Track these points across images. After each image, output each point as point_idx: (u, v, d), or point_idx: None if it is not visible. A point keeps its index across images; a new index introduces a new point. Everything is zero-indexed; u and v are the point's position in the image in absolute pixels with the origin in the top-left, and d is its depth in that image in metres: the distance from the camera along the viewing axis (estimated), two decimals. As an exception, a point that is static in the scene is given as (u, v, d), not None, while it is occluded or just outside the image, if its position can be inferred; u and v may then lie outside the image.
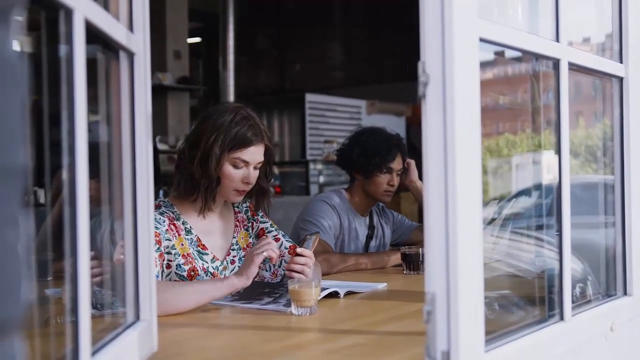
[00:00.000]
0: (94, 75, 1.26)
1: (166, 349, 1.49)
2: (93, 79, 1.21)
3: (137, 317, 1.39)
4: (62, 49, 1.02)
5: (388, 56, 9.34)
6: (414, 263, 2.67)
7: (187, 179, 2.23)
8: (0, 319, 0.55)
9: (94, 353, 1.09)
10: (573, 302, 1.57)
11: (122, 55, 1.35)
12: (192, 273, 2.20)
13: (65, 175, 1.01)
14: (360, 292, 2.26)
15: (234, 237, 2.38)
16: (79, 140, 1.02)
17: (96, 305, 1.35)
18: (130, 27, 1.36)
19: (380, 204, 3.22)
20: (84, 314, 1.02)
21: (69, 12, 1.00)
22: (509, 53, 1.56)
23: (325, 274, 2.71)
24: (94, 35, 1.12)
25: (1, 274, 0.55)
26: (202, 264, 2.24)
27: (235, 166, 2.22)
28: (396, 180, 3.05)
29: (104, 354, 1.14)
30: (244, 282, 1.99)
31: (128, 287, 1.38)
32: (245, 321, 1.83)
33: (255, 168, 2.26)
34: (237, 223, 2.41)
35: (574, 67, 1.60)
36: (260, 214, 2.46)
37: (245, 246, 2.39)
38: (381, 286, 2.38)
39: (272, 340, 1.65)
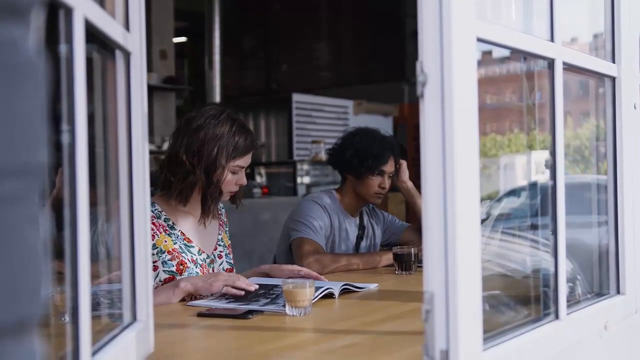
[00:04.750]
0: (89, 75, 1.25)
1: (163, 350, 1.49)
2: (88, 78, 1.20)
3: (134, 318, 1.38)
4: (61, 48, 1.02)
5: (375, 56, 9.37)
6: (405, 263, 2.67)
7: (190, 187, 2.29)
8: (24, 318, 0.55)
9: (93, 354, 1.08)
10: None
11: (119, 55, 1.34)
12: (181, 267, 2.26)
13: (65, 175, 1.01)
14: (355, 289, 2.28)
15: (219, 234, 2.47)
16: (78, 139, 1.01)
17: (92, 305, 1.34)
18: (127, 27, 1.36)
19: (371, 204, 3.22)
20: (84, 315, 1.01)
21: (69, 11, 0.99)
22: (497, 52, 1.56)
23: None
24: (90, 34, 1.11)
25: (24, 273, 0.54)
26: (191, 256, 2.30)
27: (233, 172, 2.33)
28: (387, 183, 3.05)
29: (103, 355, 1.13)
30: (188, 288, 2.09)
31: (125, 288, 1.37)
32: (240, 322, 1.82)
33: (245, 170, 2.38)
34: (221, 222, 2.51)
35: (567, 67, 1.61)
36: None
37: (227, 244, 2.50)
38: (373, 286, 2.38)
39: (268, 341, 1.65)
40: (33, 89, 0.56)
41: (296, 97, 8.18)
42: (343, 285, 2.24)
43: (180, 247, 2.29)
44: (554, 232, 1.56)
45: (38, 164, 0.57)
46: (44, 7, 0.63)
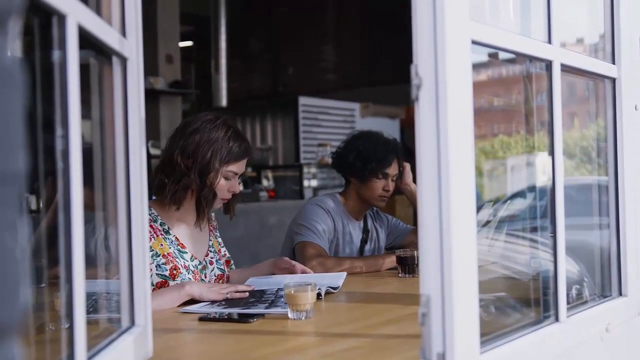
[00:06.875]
0: (86, 81, 1.26)
1: (161, 355, 1.49)
2: (85, 84, 1.20)
3: (132, 323, 1.38)
4: (55, 54, 1.02)
5: (381, 59, 9.35)
6: (409, 266, 2.67)
7: (183, 189, 2.31)
8: (2, 323, 0.55)
9: (89, 358, 1.08)
10: (569, 303, 1.57)
11: (115, 61, 1.35)
12: (175, 272, 2.28)
13: (59, 181, 1.01)
14: (333, 290, 2.30)
15: (210, 240, 2.50)
16: (73, 146, 1.01)
17: (89, 310, 1.34)
18: (123, 32, 1.36)
19: (375, 208, 3.22)
20: (79, 320, 1.01)
21: (62, 18, 1.00)
22: (503, 55, 1.56)
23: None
24: (86, 40, 1.12)
25: (1, 278, 0.55)
26: (184, 262, 2.33)
27: (226, 178, 2.35)
28: (391, 186, 3.04)
29: (99, 360, 1.13)
30: (193, 291, 2.12)
31: (123, 293, 1.38)
32: (241, 326, 1.83)
33: (239, 178, 2.41)
34: (211, 228, 2.53)
35: (566, 69, 1.60)
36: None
37: (217, 250, 2.52)
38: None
39: (269, 345, 1.65)
40: (10, 96, 0.57)
41: (303, 100, 8.18)
42: (327, 287, 2.28)
43: (174, 252, 2.32)
44: (554, 234, 1.55)
45: (17, 169, 0.57)
46: (23, 15, 0.63)
